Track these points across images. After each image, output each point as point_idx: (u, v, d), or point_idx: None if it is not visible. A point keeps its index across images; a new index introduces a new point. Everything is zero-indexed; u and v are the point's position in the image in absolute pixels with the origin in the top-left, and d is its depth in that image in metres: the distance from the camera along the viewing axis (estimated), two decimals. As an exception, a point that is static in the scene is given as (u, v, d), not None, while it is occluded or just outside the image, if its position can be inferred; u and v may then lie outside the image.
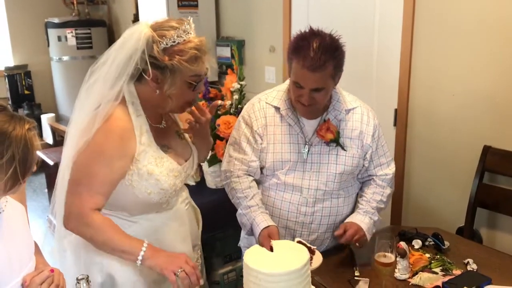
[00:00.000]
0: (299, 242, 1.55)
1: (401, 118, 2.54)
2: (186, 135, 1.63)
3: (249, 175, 1.78)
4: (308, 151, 1.73)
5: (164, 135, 1.52)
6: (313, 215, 1.77)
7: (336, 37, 1.66)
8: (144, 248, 1.37)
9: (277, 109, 1.76)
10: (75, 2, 5.31)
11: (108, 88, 1.39)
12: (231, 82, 2.47)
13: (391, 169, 1.87)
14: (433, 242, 1.79)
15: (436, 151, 2.41)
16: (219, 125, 2.33)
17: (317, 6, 2.92)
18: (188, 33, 1.37)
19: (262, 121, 1.76)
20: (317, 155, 1.74)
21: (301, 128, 1.74)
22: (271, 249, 1.43)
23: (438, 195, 2.44)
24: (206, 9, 3.76)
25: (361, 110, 1.79)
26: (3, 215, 1.23)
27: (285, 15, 3.12)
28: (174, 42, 1.34)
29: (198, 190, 2.37)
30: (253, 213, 1.70)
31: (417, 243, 1.78)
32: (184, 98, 1.44)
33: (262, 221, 1.67)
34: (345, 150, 1.73)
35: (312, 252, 1.55)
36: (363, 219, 1.73)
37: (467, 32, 2.19)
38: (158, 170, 1.43)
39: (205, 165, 2.46)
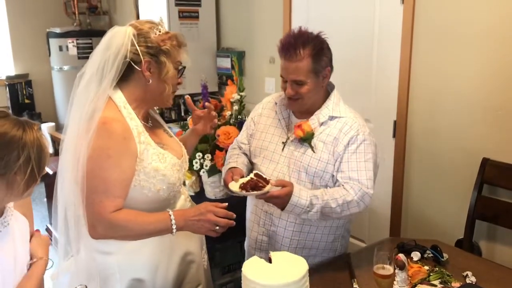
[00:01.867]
0: (256, 174, 1.66)
1: (400, 130, 2.55)
2: (172, 133, 1.71)
3: (242, 152, 1.95)
4: (285, 145, 1.80)
5: (155, 133, 1.56)
6: (274, 207, 1.78)
7: (322, 36, 1.75)
8: (173, 220, 1.44)
9: (275, 103, 1.91)
10: (76, 13, 5.36)
11: (97, 89, 1.42)
12: (231, 93, 2.49)
13: (362, 186, 1.71)
14: (432, 254, 1.79)
15: (435, 163, 2.42)
16: (218, 135, 2.34)
17: (317, 17, 2.94)
18: (163, 27, 1.49)
19: (259, 110, 1.95)
20: (291, 151, 1.79)
21: (288, 124, 1.84)
22: (231, 179, 1.66)
23: (437, 207, 2.44)
24: (206, 20, 3.80)
25: (347, 121, 1.78)
26: (8, 229, 1.23)
27: (285, 27, 3.15)
28: (160, 31, 1.46)
29: (197, 200, 2.36)
30: (229, 164, 1.85)
31: (416, 255, 1.77)
32: (175, 84, 1.52)
33: (231, 164, 1.83)
34: (313, 151, 1.75)
35: (267, 182, 1.62)
36: (303, 190, 1.66)
37: (466, 43, 2.21)
38: (163, 165, 1.47)
39: (204, 176, 2.47)
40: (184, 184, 2.51)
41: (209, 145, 2.37)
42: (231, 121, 2.47)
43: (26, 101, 5.44)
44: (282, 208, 1.65)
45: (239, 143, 1.98)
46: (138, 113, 1.48)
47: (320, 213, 1.67)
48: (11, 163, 1.12)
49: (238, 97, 2.45)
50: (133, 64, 1.42)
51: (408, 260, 1.69)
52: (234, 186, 1.65)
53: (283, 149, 1.81)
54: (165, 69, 1.45)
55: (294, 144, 1.79)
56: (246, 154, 1.94)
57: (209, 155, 2.35)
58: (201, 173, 2.40)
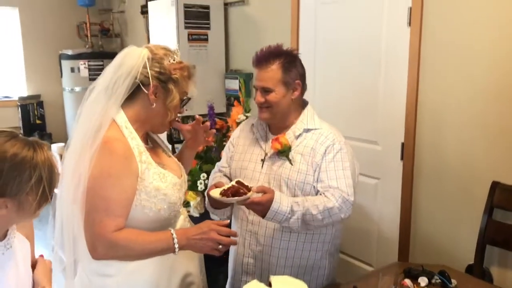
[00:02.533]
0: (237, 182, 1.66)
1: (408, 152, 2.51)
2: (171, 154, 1.71)
3: (224, 174, 1.96)
4: (264, 161, 1.82)
5: (155, 153, 1.56)
6: (259, 224, 1.80)
7: (294, 52, 1.84)
8: (175, 239, 1.42)
9: (252, 125, 1.95)
10: (89, 35, 5.45)
11: (105, 104, 1.43)
12: (237, 114, 2.49)
13: (342, 192, 1.72)
14: (439, 280, 1.73)
15: (444, 186, 2.37)
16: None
17: (324, 40, 2.95)
18: (178, 55, 1.52)
19: (237, 133, 2.00)
20: (270, 166, 1.81)
21: (266, 142, 1.86)
22: (216, 186, 1.67)
23: (447, 231, 2.38)
24: (216, 43, 3.83)
25: (322, 132, 1.82)
26: (11, 251, 1.22)
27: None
28: (174, 60, 1.48)
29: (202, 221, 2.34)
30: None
31: (423, 281, 1.72)
32: (176, 113, 1.54)
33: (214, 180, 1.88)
34: (291, 164, 1.77)
35: (249, 189, 1.62)
36: (284, 197, 1.67)
37: (474, 64, 2.18)
38: (164, 185, 1.46)
39: (209, 197, 2.45)
40: (188, 205, 2.50)
41: (214, 165, 2.36)
42: (236, 142, 2.45)
43: (38, 121, 5.50)
44: (263, 216, 1.65)
45: (219, 167, 2.00)
46: (139, 133, 1.49)
47: (301, 220, 1.67)
48: (23, 183, 1.12)
49: (244, 117, 2.45)
50: (141, 85, 1.44)
51: (415, 285, 1.64)
52: (215, 193, 1.64)
53: (262, 166, 1.83)
54: (171, 96, 1.47)
55: (272, 160, 1.82)
56: (227, 176, 1.94)
57: (214, 176, 2.33)
58: (205, 193, 2.38)
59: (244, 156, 1.89)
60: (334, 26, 2.88)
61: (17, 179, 1.11)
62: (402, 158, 2.55)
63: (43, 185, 1.13)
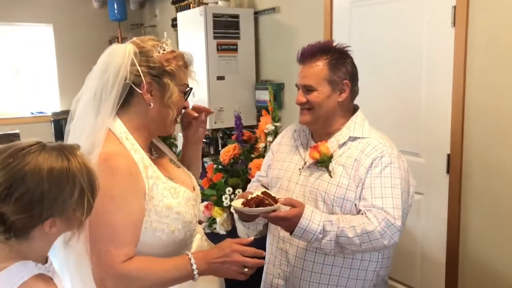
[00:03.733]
0: (264, 192, 1.46)
1: (455, 165, 2.27)
2: (179, 163, 1.51)
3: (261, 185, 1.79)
4: (301, 172, 1.62)
5: (162, 165, 1.38)
6: (290, 242, 1.58)
7: (345, 48, 1.65)
8: (194, 264, 1.25)
9: (294, 130, 1.77)
10: (121, 50, 5.46)
11: (95, 118, 1.26)
12: (265, 124, 2.32)
13: (387, 215, 1.46)
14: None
15: (497, 203, 2.11)
16: (250, 168, 2.16)
17: (359, 48, 2.75)
18: (168, 45, 1.33)
19: (279, 139, 1.83)
20: (307, 177, 1.60)
21: (306, 150, 1.65)
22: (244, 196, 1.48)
23: (501, 254, 2.11)
24: (245, 53, 3.71)
25: (370, 142, 1.57)
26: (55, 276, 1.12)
27: (326, 56, 2.99)
28: (164, 50, 1.30)
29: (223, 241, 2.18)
30: None
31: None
32: (180, 108, 1.36)
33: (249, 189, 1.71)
34: (330, 176, 1.55)
35: (275, 201, 1.43)
36: (316, 213, 1.44)
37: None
38: (176, 202, 1.29)
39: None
40: (214, 221, 2.33)
41: (240, 179, 2.19)
42: (265, 154, 2.28)
43: (70, 136, 5.52)
44: (291, 232, 1.43)
45: (258, 177, 1.83)
46: (142, 143, 1.31)
47: (335, 243, 1.43)
48: (67, 201, 1.02)
49: (273, 127, 2.28)
50: (133, 86, 1.26)
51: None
52: (237, 203, 1.45)
53: (299, 176, 1.62)
54: (168, 92, 1.29)
55: (310, 170, 1.60)
56: (264, 187, 1.75)
57: (240, 190, 2.16)
58: (231, 210, 2.21)
59: (281, 164, 1.71)
60: (370, 30, 2.70)
61: (60, 198, 1.01)
62: (448, 172, 2.31)
63: (86, 195, 1.05)
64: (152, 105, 1.28)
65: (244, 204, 1.43)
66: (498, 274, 2.12)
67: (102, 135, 1.24)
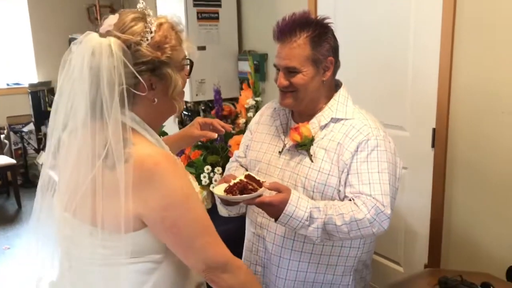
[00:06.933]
0: (247, 176, 1.41)
1: (440, 139, 2.21)
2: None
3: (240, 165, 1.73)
4: (281, 154, 1.53)
5: None
6: (267, 228, 1.52)
7: (327, 22, 1.52)
8: None
9: (274, 109, 1.66)
10: (99, 18, 5.26)
11: (105, 131, 1.07)
12: (246, 98, 2.23)
13: (377, 202, 1.41)
14: (482, 293, 1.47)
15: (482, 178, 2.07)
16: (230, 145, 2.08)
17: (345, 15, 2.65)
18: (151, 16, 1.14)
19: (257, 118, 1.73)
20: (287, 161, 1.51)
21: (286, 131, 1.56)
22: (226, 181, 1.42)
23: (486, 229, 2.09)
24: (227, 21, 3.56)
25: (354, 123, 1.47)
26: None
27: (310, 26, 2.88)
28: (152, 32, 1.10)
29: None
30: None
31: (462, 294, 1.46)
32: (184, 84, 1.21)
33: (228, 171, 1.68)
34: (311, 160, 1.46)
35: (260, 185, 1.37)
36: (303, 199, 1.37)
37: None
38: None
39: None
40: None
41: (220, 157, 2.12)
42: (245, 129, 2.21)
43: (49, 108, 5.36)
44: (276, 219, 1.36)
45: (236, 157, 1.74)
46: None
47: (321, 230, 1.36)
48: None
49: (254, 102, 2.19)
50: (132, 90, 1.09)
51: (453, 301, 1.38)
52: (219, 190, 1.37)
53: (278, 159, 1.54)
54: (172, 83, 1.14)
55: (290, 153, 1.51)
56: (244, 167, 1.68)
57: (220, 169, 2.09)
58: (211, 188, 2.15)
59: (260, 146, 1.62)
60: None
61: None
62: (433, 146, 2.26)
63: None
64: (156, 100, 1.14)
65: (227, 191, 1.36)
66: (481, 246, 2.11)
67: (129, 136, 1.08)
